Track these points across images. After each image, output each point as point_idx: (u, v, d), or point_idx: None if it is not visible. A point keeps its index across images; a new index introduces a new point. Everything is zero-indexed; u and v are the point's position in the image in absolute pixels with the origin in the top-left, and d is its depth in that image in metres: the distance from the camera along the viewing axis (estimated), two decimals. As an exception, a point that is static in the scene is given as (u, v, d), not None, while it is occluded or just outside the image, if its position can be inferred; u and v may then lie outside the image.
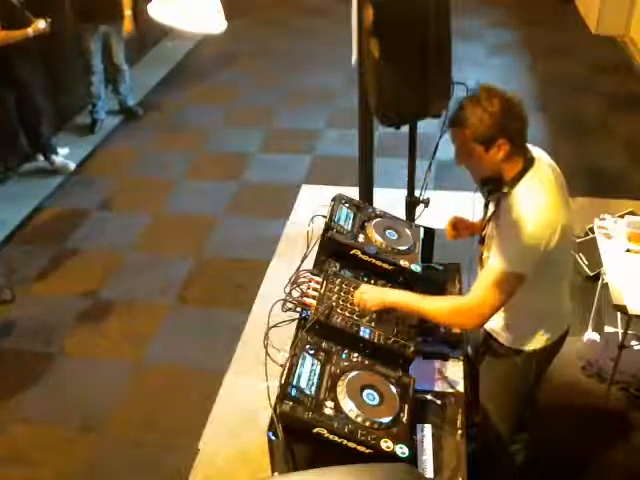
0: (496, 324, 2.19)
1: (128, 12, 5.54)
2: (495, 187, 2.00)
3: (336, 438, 1.65)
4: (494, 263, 1.91)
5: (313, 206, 2.40)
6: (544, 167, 1.98)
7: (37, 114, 5.09)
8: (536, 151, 2.04)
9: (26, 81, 4.94)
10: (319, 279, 2.11)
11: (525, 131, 1.94)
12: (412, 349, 1.98)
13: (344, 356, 1.90)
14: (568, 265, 2.15)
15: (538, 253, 1.87)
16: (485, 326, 2.16)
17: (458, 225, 2.46)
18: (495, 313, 1.97)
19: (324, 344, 1.90)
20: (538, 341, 2.15)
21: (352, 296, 2.07)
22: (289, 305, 2.06)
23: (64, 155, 5.46)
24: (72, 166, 5.35)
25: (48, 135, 5.30)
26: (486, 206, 2.16)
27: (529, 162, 1.96)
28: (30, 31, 4.65)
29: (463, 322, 2.04)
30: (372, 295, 2.03)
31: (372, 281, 2.18)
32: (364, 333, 1.97)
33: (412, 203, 2.98)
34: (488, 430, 2.36)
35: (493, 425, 2.35)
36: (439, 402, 2.06)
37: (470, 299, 1.98)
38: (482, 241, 2.19)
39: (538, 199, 1.89)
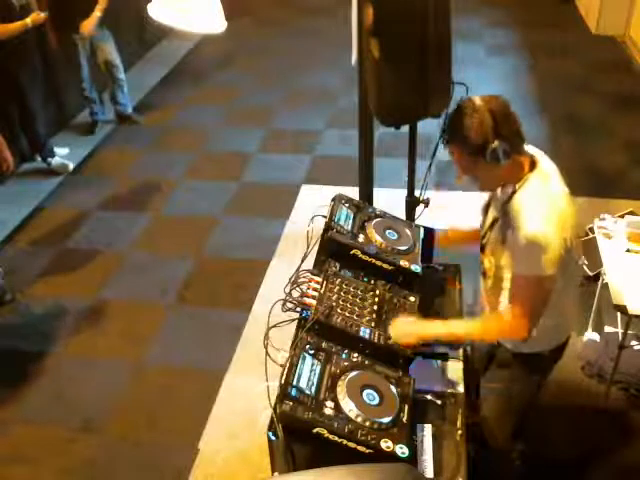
0: None
1: (98, 13, 5.36)
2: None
3: (336, 438, 1.65)
4: (522, 270, 1.90)
5: (313, 206, 2.40)
6: (546, 167, 1.97)
7: (33, 115, 5.08)
8: (536, 151, 2.02)
9: (24, 82, 4.93)
10: (319, 279, 2.11)
11: (519, 132, 1.90)
12: (411, 350, 1.98)
13: (344, 356, 1.90)
14: (573, 268, 2.12)
15: (558, 251, 1.84)
16: None
17: (450, 235, 2.47)
18: (540, 317, 1.94)
19: (324, 344, 1.90)
20: (542, 345, 2.14)
21: (353, 295, 2.07)
22: (289, 305, 2.06)
23: (64, 155, 5.47)
24: (71, 166, 5.35)
25: (45, 137, 5.28)
26: (485, 212, 2.13)
27: (531, 162, 1.95)
28: (29, 21, 4.60)
29: (512, 335, 2.02)
30: (409, 331, 2.00)
31: (372, 281, 2.18)
32: (364, 333, 1.97)
33: (412, 203, 2.98)
34: (487, 436, 2.36)
35: (492, 431, 2.35)
36: (439, 402, 2.06)
37: (511, 312, 1.95)
38: (482, 249, 2.15)
39: (548, 200, 1.88)
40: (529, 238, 1.83)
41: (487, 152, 1.84)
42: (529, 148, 2.00)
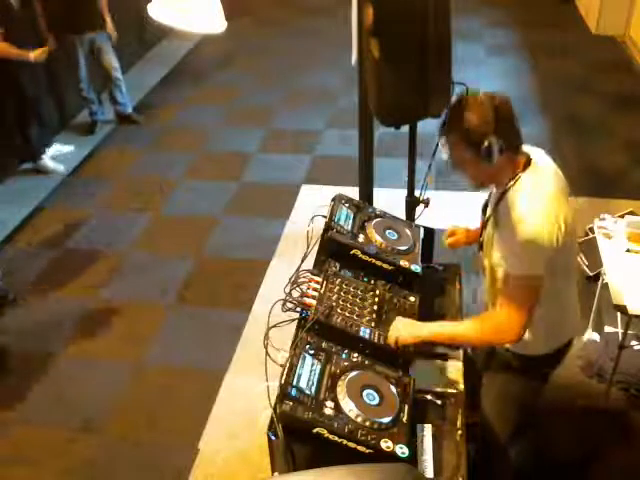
0: None
1: (108, 18, 5.50)
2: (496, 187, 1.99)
3: (336, 438, 1.65)
4: (508, 270, 1.90)
5: (313, 206, 2.40)
6: (542, 166, 1.95)
7: (35, 116, 5.07)
8: (535, 152, 2.01)
9: (25, 83, 4.93)
10: (319, 279, 2.11)
11: (518, 131, 1.90)
12: (412, 349, 1.98)
13: (344, 356, 1.90)
14: (572, 269, 2.10)
15: (547, 250, 1.83)
16: None
17: (456, 232, 2.46)
18: (530, 318, 1.92)
19: (324, 344, 1.90)
20: (541, 347, 2.13)
21: (353, 295, 2.07)
22: (289, 305, 2.06)
23: (66, 153, 5.46)
24: (61, 169, 5.34)
25: (39, 139, 5.25)
26: (484, 211, 2.14)
27: (526, 162, 1.94)
28: (32, 56, 4.69)
29: (502, 338, 2.00)
30: (407, 331, 1.99)
31: (372, 281, 2.18)
32: (364, 333, 1.97)
33: (412, 203, 2.98)
34: (487, 434, 2.36)
35: (492, 430, 2.35)
36: (439, 402, 2.06)
37: (499, 314, 1.94)
38: (480, 247, 2.16)
39: (539, 197, 1.86)
40: (517, 237, 1.83)
41: (482, 147, 1.84)
42: (528, 148, 1.99)
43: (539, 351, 2.14)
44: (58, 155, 5.48)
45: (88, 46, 5.53)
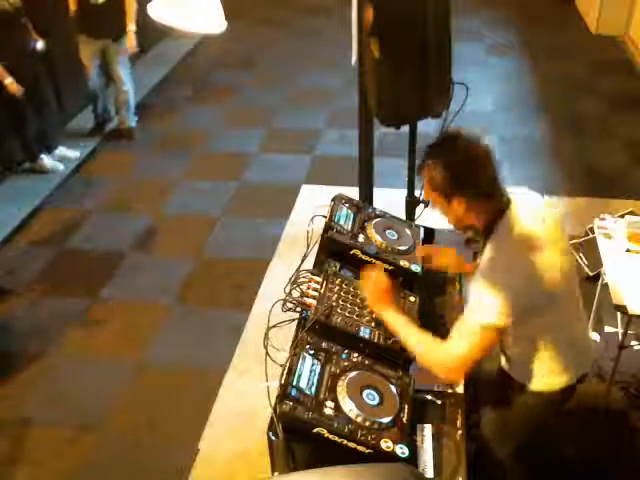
0: (506, 359, 2.13)
1: (132, 27, 5.36)
2: (473, 236, 1.99)
3: (336, 438, 1.65)
4: (466, 315, 1.84)
5: (313, 206, 2.40)
6: (518, 214, 1.87)
7: (24, 120, 5.05)
8: (519, 193, 1.94)
9: (28, 85, 4.92)
10: (319, 279, 2.11)
11: (491, 182, 1.84)
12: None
13: (344, 356, 1.90)
14: (571, 305, 2.07)
15: (511, 303, 1.77)
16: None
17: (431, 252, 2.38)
18: (474, 365, 1.85)
19: (324, 344, 1.90)
20: (542, 384, 2.06)
21: (353, 295, 2.07)
22: (289, 305, 2.06)
23: (71, 157, 5.47)
24: (60, 168, 5.33)
25: (33, 140, 5.23)
26: (474, 256, 2.11)
27: (500, 211, 1.86)
28: (9, 81, 4.58)
29: (439, 373, 1.88)
30: (374, 297, 2.01)
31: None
32: (364, 333, 1.97)
33: (412, 203, 2.99)
34: (486, 455, 2.32)
35: (491, 451, 2.31)
36: (439, 402, 2.06)
37: (446, 352, 1.85)
38: None
39: (506, 251, 1.82)
40: (481, 285, 1.80)
41: (451, 198, 1.84)
42: (511, 190, 1.92)
43: (543, 388, 2.07)
44: (62, 158, 5.44)
45: (101, 50, 5.45)
